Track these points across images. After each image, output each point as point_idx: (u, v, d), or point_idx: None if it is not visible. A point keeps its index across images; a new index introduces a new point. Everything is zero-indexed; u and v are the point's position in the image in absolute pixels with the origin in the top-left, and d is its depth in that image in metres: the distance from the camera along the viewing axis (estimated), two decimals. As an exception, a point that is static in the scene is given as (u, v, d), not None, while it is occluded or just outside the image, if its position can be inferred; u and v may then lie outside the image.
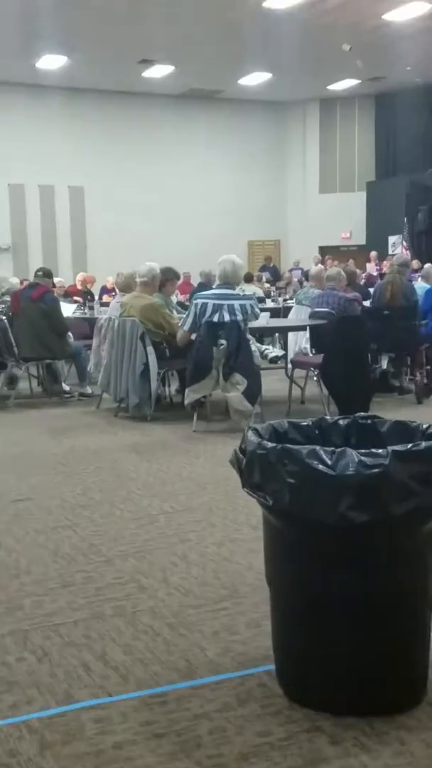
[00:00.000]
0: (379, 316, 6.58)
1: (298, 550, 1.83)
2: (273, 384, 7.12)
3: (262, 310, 6.46)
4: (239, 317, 5.23)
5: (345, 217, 18.21)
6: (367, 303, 7.97)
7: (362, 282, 11.01)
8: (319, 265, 12.72)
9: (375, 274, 13.62)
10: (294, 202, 19.03)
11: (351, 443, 2.08)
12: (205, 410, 5.71)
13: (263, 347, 5.97)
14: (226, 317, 5.22)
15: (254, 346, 5.51)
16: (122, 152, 17.09)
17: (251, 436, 1.90)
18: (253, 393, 5.21)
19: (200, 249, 15.89)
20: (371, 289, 8.63)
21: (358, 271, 9.21)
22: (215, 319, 5.24)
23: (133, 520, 3.41)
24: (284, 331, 7.41)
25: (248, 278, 11.14)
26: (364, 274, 13.08)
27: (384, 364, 6.71)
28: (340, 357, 5.55)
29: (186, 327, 5.40)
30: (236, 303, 5.25)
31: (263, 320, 5.88)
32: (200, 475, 4.17)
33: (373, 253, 15.03)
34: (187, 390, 5.35)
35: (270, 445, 1.81)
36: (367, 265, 14.48)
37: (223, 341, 5.19)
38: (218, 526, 3.31)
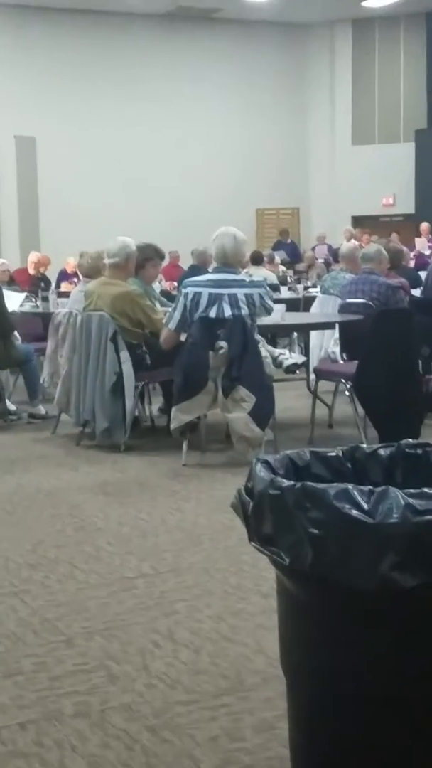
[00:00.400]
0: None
1: (326, 626, 1.82)
2: (290, 401, 7.12)
3: (276, 301, 6.48)
4: (244, 311, 5.25)
5: (387, 177, 18.36)
6: (416, 291, 8.00)
7: (411, 263, 11.05)
8: (353, 241, 12.79)
9: (428, 252, 13.70)
10: (318, 157, 19.20)
11: (395, 480, 2.08)
12: (199, 437, 5.71)
13: (277, 352, 5.99)
14: (227, 311, 5.24)
15: (265, 350, 5.53)
16: (88, 92, 17.22)
17: (261, 472, 1.90)
18: (263, 413, 5.23)
19: (192, 220, 15.98)
20: (423, 273, 8.67)
21: (404, 249, 9.23)
22: (212, 313, 5.26)
23: (102, 586, 3.41)
24: (305, 329, 7.43)
25: (257, 259, 11.21)
26: (412, 253, 13.14)
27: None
28: (380, 364, 5.57)
29: (172, 325, 5.41)
30: (240, 292, 5.27)
31: (277, 315, 5.91)
32: (192, 525, 4.17)
33: (425, 225, 15.10)
34: (174, 410, 5.36)
35: (286, 483, 1.81)
36: (417, 240, 14.54)
37: (223, 343, 5.21)
38: (216, 593, 3.31)
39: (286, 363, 5.81)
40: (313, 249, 15.86)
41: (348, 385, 5.79)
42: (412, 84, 18.81)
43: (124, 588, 3.38)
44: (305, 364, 6.48)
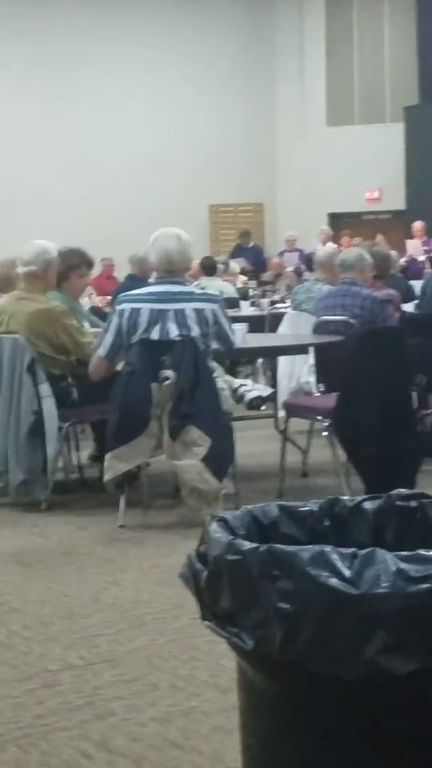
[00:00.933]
0: (431, 328, 6.67)
1: (301, 725, 1.82)
2: (255, 444, 7.11)
3: (236, 319, 6.50)
4: (195, 331, 5.26)
5: (371, 166, 18.61)
6: (409, 306, 8.08)
7: (399, 271, 11.18)
8: (330, 244, 12.91)
9: (423, 258, 13.87)
10: (287, 141, 19.43)
11: (385, 541, 2.09)
12: (140, 491, 5.70)
13: (237, 382, 6.00)
14: (173, 332, 5.25)
15: (222, 380, 5.54)
16: (6, 58, 17.28)
17: (217, 533, 1.90)
18: (220, 460, 5.24)
19: (130, 220, 16.04)
20: (416, 284, 8.78)
21: (393, 253, 9.35)
22: (154, 335, 5.27)
23: (16, 683, 3.37)
24: (272, 354, 7.46)
25: (210, 268, 11.27)
26: (403, 259, 13.31)
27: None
28: (366, 397, 5.60)
29: (104, 350, 5.42)
30: (189, 307, 5.30)
31: (237, 337, 5.92)
32: (132, 602, 4.15)
33: (419, 224, 15.29)
34: (108, 457, 5.34)
35: (249, 546, 1.81)
36: (409, 243, 14.72)
37: (169, 373, 5.21)
38: (162, 688, 3.29)
39: (249, 396, 5.82)
40: (281, 255, 16.00)
41: (326, 424, 5.81)
42: (400, 52, 19.14)
43: (46, 684, 3.33)
44: (272, 398, 6.48)
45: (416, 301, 8.08)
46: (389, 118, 19.01)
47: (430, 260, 13.30)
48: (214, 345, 5.47)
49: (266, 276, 14.77)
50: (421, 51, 18.90)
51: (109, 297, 11.02)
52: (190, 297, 5.37)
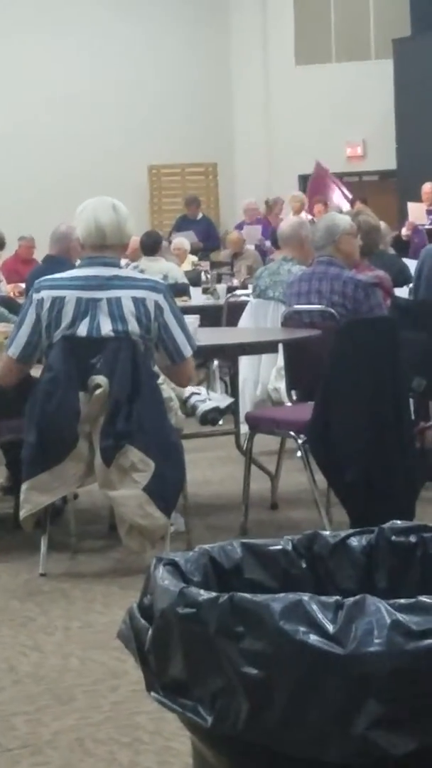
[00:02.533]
0: (430, 319, 6.71)
1: None
2: (212, 468, 7.13)
3: (186, 310, 6.48)
4: (133, 326, 5.26)
5: (352, 114, 18.68)
6: (402, 291, 8.11)
7: (390, 246, 11.21)
8: (303, 214, 12.94)
9: (425, 226, 13.81)
10: (245, 85, 19.45)
11: (377, 586, 2.10)
12: (66, 529, 5.69)
13: (188, 391, 6.00)
14: (106, 327, 5.25)
15: (169, 388, 5.55)
16: None
17: (165, 579, 1.90)
18: (167, 489, 5.24)
19: (52, 186, 16.03)
20: (412, 263, 8.81)
21: (383, 225, 9.37)
22: (82, 330, 5.28)
23: None
24: (232, 354, 7.46)
25: (152, 245, 11.25)
26: (405, 230, 13.30)
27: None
28: (349, 407, 5.62)
29: (15, 350, 5.41)
30: (126, 295, 5.29)
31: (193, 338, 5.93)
32: (58, 672, 4.14)
33: (429, 186, 15.10)
34: (24, 488, 5.33)
35: (205, 595, 1.82)
36: (412, 207, 14.60)
37: (101, 379, 5.20)
38: (98, 780, 3.28)
39: (203, 408, 5.84)
40: (240, 228, 15.98)
41: (300, 441, 5.83)
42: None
43: None
44: (232, 410, 6.50)
45: (411, 285, 8.12)
46: (374, 54, 19.08)
47: (429, 232, 13.25)
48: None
49: (222, 255, 14.77)
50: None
51: (23, 285, 10.97)
52: (127, 283, 5.35)
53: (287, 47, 19.34)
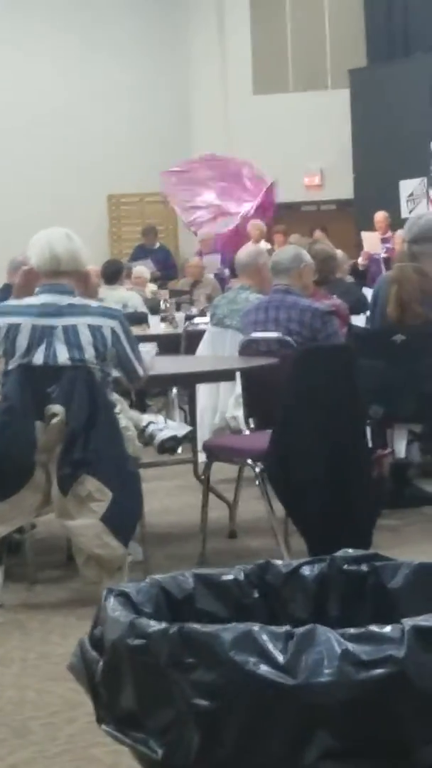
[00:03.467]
0: (386, 347, 6.72)
1: None
2: (169, 496, 7.11)
3: (144, 338, 6.47)
4: (90, 354, 5.25)
5: (310, 143, 18.74)
6: (359, 319, 8.13)
7: (348, 275, 11.25)
8: (262, 242, 12.95)
9: (384, 254, 13.87)
10: (203, 114, 19.49)
11: (328, 615, 2.10)
12: (23, 560, 5.67)
13: (146, 419, 6.00)
14: (62, 355, 5.24)
15: (126, 417, 5.53)
16: None
17: (116, 610, 1.89)
18: (125, 518, 5.24)
19: (10, 215, 16.01)
20: (368, 291, 8.84)
21: (339, 252, 9.40)
22: (38, 358, 5.27)
23: None
24: (189, 382, 7.45)
25: (113, 274, 11.26)
26: (361, 259, 13.32)
27: (400, 447, 6.82)
28: (307, 434, 5.62)
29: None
30: (82, 323, 5.29)
31: (145, 362, 5.92)
32: (14, 704, 4.12)
33: (382, 215, 15.19)
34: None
35: (155, 626, 1.81)
36: (366, 236, 14.68)
37: (58, 408, 5.19)
38: None
39: (161, 437, 5.81)
40: (199, 256, 15.99)
41: (258, 470, 5.82)
42: (343, 3, 19.33)
43: None
44: (190, 438, 6.49)
45: (368, 313, 8.13)
46: (331, 83, 19.16)
47: (385, 261, 13.30)
48: (116, 373, 5.45)
49: (181, 284, 14.78)
50: (368, 3, 19.13)
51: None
52: (83, 310, 5.34)
53: (245, 76, 19.40)
